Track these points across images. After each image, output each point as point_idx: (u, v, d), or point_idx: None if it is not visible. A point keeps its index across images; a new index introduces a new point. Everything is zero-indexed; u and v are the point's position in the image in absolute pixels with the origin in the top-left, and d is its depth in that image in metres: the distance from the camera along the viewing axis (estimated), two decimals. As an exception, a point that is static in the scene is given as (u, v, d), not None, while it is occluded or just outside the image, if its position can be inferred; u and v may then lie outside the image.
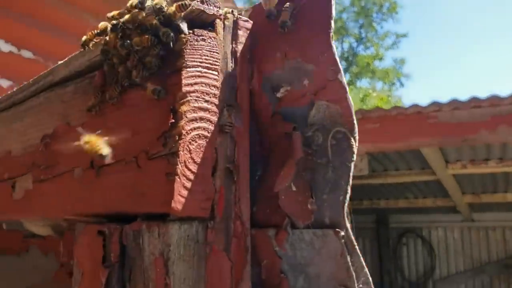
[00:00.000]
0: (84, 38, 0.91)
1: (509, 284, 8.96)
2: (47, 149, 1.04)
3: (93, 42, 0.91)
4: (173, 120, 0.71)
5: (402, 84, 24.66)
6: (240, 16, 0.84)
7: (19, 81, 3.59)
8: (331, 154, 0.74)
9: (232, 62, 0.81)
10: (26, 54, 3.40)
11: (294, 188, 0.76)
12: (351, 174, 0.73)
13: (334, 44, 0.73)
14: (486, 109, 5.31)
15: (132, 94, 0.82)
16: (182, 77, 0.73)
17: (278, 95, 0.82)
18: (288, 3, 0.82)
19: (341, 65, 0.74)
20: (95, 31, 0.90)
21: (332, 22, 0.74)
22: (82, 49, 0.93)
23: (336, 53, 0.74)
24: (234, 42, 0.82)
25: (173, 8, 0.76)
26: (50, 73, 1.09)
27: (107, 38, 0.85)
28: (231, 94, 0.80)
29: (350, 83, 21.76)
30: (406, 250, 9.98)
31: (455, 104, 5.44)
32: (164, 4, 0.77)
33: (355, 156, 0.73)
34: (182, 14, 0.76)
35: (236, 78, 0.81)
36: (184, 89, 0.73)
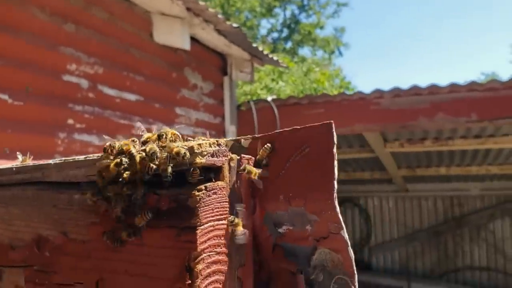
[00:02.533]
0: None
1: (438, 250, 9.64)
2: (41, 252, 1.04)
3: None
4: (190, 281, 0.76)
5: (341, 53, 25.06)
6: (243, 155, 0.87)
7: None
8: (332, 298, 0.82)
9: (236, 202, 0.85)
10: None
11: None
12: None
13: (337, 204, 0.79)
14: (426, 97, 5.57)
15: (148, 232, 0.84)
16: (197, 236, 0.77)
17: (280, 230, 0.87)
18: (268, 144, 0.87)
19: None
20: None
21: (335, 183, 0.80)
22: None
23: (339, 212, 0.80)
24: (238, 181, 0.86)
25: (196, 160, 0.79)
26: (39, 169, 1.08)
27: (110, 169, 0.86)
28: (237, 235, 0.84)
29: (292, 50, 21.88)
30: (344, 218, 10.38)
31: (396, 91, 5.66)
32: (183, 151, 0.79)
33: (356, 304, 0.80)
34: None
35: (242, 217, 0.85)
36: (199, 247, 0.77)
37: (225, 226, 0.82)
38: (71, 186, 1.02)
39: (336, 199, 0.80)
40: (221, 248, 0.80)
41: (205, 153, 0.79)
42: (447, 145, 6.66)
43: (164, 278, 0.80)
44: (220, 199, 0.81)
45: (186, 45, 5.51)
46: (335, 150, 0.82)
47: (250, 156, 0.89)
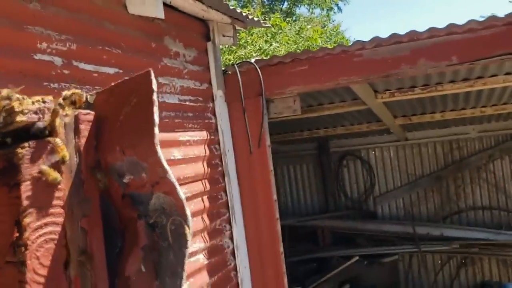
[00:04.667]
0: None
1: (440, 193, 9.71)
2: None
3: None
4: (18, 234, 0.79)
5: (340, 9, 24.50)
6: (81, 111, 0.90)
7: None
8: (171, 238, 0.85)
9: (76, 156, 0.88)
10: None
11: (144, 269, 0.88)
12: (186, 260, 0.84)
13: (159, 149, 0.82)
14: (406, 44, 5.48)
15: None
16: (22, 192, 0.80)
17: (125, 180, 0.91)
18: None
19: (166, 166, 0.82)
20: None
21: (156, 129, 0.82)
22: None
23: (161, 156, 0.83)
24: (76, 137, 0.88)
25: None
26: None
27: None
28: (79, 188, 0.88)
29: (289, 10, 21.49)
30: (347, 171, 10.58)
31: (377, 41, 5.58)
32: None
33: (189, 242, 0.84)
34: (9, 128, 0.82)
35: (82, 172, 0.89)
36: (25, 202, 0.80)
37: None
38: None
39: (158, 145, 0.82)
40: (53, 201, 0.84)
41: (27, 111, 0.82)
42: (436, 91, 6.60)
43: (3, 233, 0.84)
44: (49, 153, 0.84)
45: (160, 14, 5.47)
46: (155, 97, 0.84)
47: (88, 111, 0.91)
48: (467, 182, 9.44)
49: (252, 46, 12.25)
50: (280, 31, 12.65)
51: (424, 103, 7.67)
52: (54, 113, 0.85)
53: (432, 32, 5.29)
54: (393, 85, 6.79)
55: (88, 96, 0.94)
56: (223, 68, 6.95)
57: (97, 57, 5.01)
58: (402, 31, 5.50)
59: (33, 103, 0.83)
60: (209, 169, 5.93)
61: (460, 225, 9.28)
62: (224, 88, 6.75)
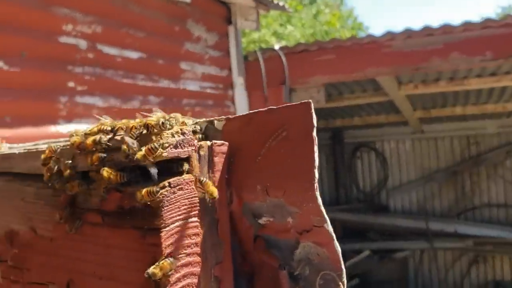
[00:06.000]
0: (43, 156, 0.84)
1: (455, 189, 9.56)
2: (12, 247, 0.98)
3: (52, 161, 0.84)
4: (156, 289, 0.68)
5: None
6: (215, 141, 0.78)
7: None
8: (319, 294, 0.74)
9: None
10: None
11: (283, 326, 0.76)
12: (340, 322, 0.73)
13: (318, 195, 0.70)
14: (438, 37, 5.32)
15: (112, 232, 0.77)
16: (162, 239, 0.69)
17: (260, 221, 0.79)
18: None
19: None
20: (54, 148, 0.83)
21: (316, 172, 0.70)
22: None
23: (321, 204, 0.71)
24: (210, 170, 0.77)
25: (142, 153, 0.70)
26: (7, 159, 1.01)
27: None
28: (212, 229, 0.76)
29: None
30: (360, 163, 10.36)
31: (408, 33, 5.42)
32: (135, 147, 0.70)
33: (343, 301, 0.72)
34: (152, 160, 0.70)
35: (216, 210, 0.77)
36: (165, 251, 0.69)
37: (197, 223, 0.74)
38: (39, 178, 0.94)
39: (317, 190, 0.70)
40: (191, 248, 0.72)
41: (167, 145, 0.70)
42: (462, 85, 6.44)
43: (132, 284, 0.73)
44: (188, 194, 0.73)
45: (186, -4, 5.31)
46: (315, 133, 0.71)
47: (222, 142, 0.79)
48: (483, 178, 9.29)
49: (267, 29, 12.05)
50: (295, 14, 12.41)
51: (446, 96, 7.51)
52: (193, 146, 0.73)
53: (467, 25, 5.13)
54: (417, 77, 6.64)
55: (216, 122, 0.81)
56: (244, 54, 6.80)
57: (121, 40, 4.87)
58: (413, 23, 5.35)
59: (172, 135, 0.71)
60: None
61: (473, 221, 9.18)
62: (244, 75, 6.61)
